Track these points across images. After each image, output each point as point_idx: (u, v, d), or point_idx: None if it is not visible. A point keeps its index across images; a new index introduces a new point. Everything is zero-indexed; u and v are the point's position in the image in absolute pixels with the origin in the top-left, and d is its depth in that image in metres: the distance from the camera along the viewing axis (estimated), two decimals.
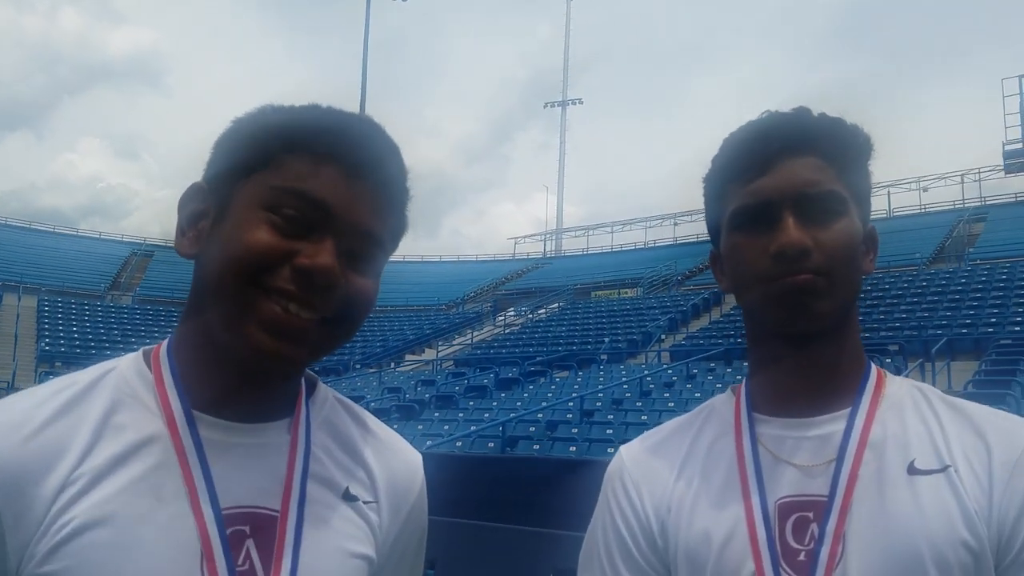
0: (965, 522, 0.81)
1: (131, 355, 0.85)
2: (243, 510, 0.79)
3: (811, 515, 0.86)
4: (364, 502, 0.86)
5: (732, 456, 0.93)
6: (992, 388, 9.67)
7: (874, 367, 0.96)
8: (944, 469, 0.85)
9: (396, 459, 0.93)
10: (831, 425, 0.90)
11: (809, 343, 0.90)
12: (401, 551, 0.91)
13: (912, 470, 0.85)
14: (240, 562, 0.77)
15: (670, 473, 0.96)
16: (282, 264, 0.75)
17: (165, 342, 0.85)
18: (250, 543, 0.78)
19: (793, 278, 0.85)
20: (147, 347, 0.86)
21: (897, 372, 11.71)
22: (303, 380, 0.89)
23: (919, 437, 0.88)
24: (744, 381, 1.00)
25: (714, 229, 0.98)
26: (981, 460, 0.85)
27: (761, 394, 0.96)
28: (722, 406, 1.00)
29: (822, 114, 0.93)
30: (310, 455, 0.85)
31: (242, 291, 0.75)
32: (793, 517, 0.87)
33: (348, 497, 0.86)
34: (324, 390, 0.93)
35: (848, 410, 0.91)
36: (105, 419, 0.78)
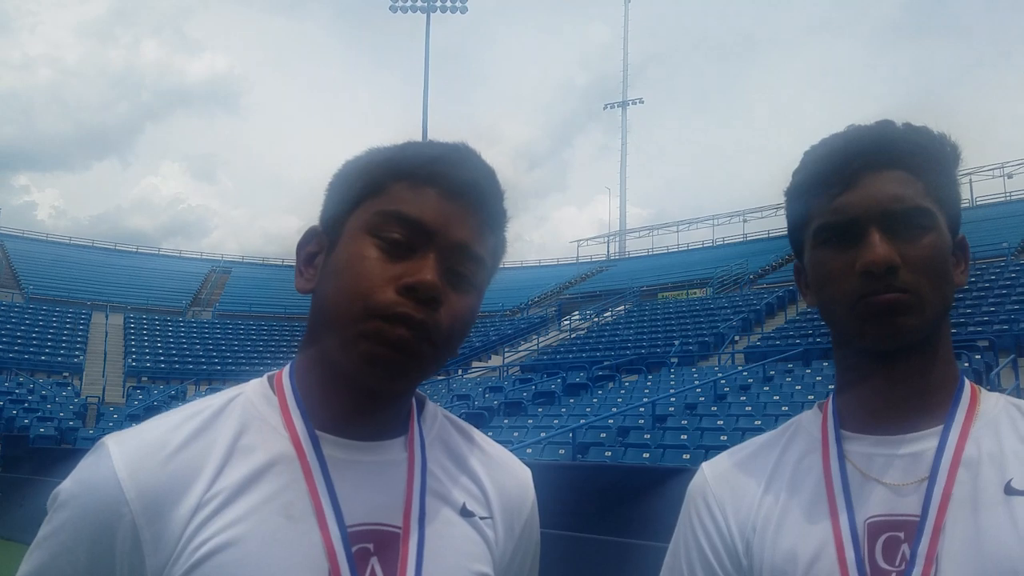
0: None
1: (256, 380, 0.89)
2: (367, 527, 0.81)
3: (902, 535, 0.84)
4: (480, 518, 0.88)
5: (819, 474, 0.91)
6: None
7: (967, 382, 0.93)
8: None
9: (507, 475, 0.95)
10: (923, 443, 0.88)
11: (897, 358, 0.88)
12: (517, 568, 0.94)
13: (1009, 490, 0.82)
14: None
15: (755, 491, 0.94)
16: (389, 285, 0.78)
17: (287, 367, 0.89)
18: (374, 560, 0.80)
19: (881, 296, 0.84)
20: (270, 372, 0.90)
21: (988, 369, 11.31)
22: (413, 398, 0.92)
23: (1017, 455, 0.85)
24: (831, 397, 0.97)
25: (797, 243, 0.97)
26: None
27: (849, 411, 0.93)
28: (808, 423, 0.98)
29: (907, 125, 0.91)
30: (427, 471, 0.87)
31: (354, 316, 0.78)
32: (883, 537, 0.84)
33: (465, 513, 0.87)
34: (433, 408, 0.95)
35: (940, 427, 0.88)
36: (235, 441, 0.81)
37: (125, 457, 0.77)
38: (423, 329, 0.79)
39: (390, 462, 0.85)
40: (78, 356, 24.17)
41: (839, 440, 0.92)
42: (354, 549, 0.79)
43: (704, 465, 1.02)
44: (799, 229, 0.95)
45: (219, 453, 0.79)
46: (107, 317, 27.22)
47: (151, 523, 0.75)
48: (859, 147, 0.88)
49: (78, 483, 0.78)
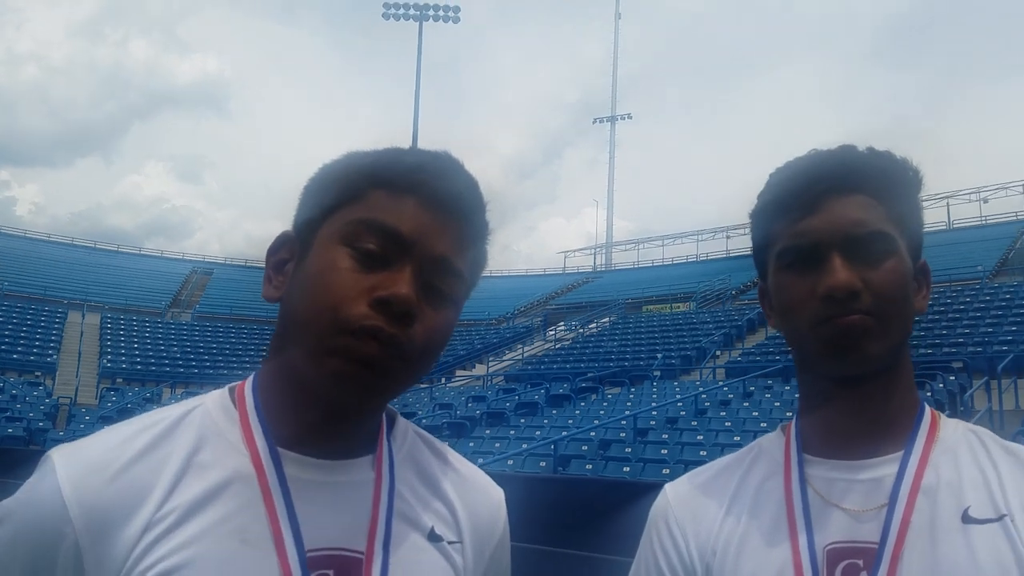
0: (1021, 574, 0.78)
1: (216, 392, 0.85)
2: (328, 552, 0.77)
3: (861, 563, 0.84)
4: (449, 543, 0.85)
5: (780, 498, 0.91)
6: None
7: (928, 409, 0.93)
8: (1000, 518, 0.82)
9: (479, 497, 0.92)
10: (882, 468, 0.88)
11: (859, 384, 0.88)
12: None
13: (967, 518, 0.83)
14: None
15: (716, 515, 0.94)
16: (362, 298, 0.75)
17: (250, 379, 0.85)
18: None
19: (842, 320, 0.84)
20: (232, 384, 0.86)
21: (962, 390, 11.39)
22: (384, 414, 0.88)
23: (974, 484, 0.86)
24: (794, 420, 0.98)
25: (761, 265, 0.97)
26: None
27: (811, 434, 0.94)
28: (771, 445, 0.98)
29: (870, 149, 0.91)
30: (395, 493, 0.83)
31: (323, 330, 0.74)
32: (842, 564, 0.85)
33: (433, 538, 0.84)
34: (404, 424, 0.92)
35: (900, 453, 0.89)
36: (190, 457, 0.77)
37: (70, 472, 0.73)
38: (395, 345, 0.75)
39: (356, 482, 0.81)
40: (52, 355, 23.75)
41: (801, 464, 0.92)
42: None
43: (667, 487, 1.01)
44: (763, 252, 0.95)
45: (172, 470, 0.75)
46: (83, 316, 26.80)
47: (95, 544, 0.71)
48: (822, 171, 0.88)
49: (20, 499, 0.74)
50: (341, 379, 0.75)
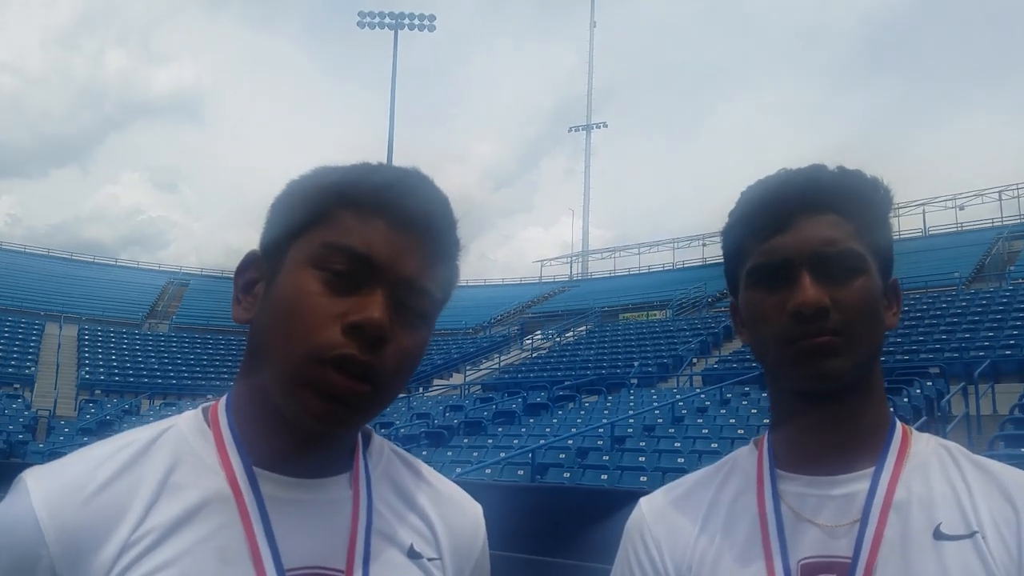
0: None
1: (190, 412, 0.85)
2: (307, 571, 0.77)
3: None
4: (428, 559, 0.84)
5: (754, 514, 0.92)
6: None
7: (899, 424, 0.94)
8: (971, 535, 0.83)
9: (458, 513, 0.92)
10: (855, 484, 0.89)
11: (829, 400, 0.89)
12: None
13: (938, 535, 0.84)
14: None
15: (691, 530, 0.95)
16: (334, 324, 0.74)
17: (223, 399, 0.85)
18: None
19: (811, 340, 0.85)
20: (205, 404, 0.86)
21: (939, 396, 11.53)
22: (359, 432, 0.88)
23: (945, 499, 0.87)
24: (766, 435, 0.99)
25: (732, 281, 0.98)
26: (1009, 525, 0.83)
27: (783, 449, 0.95)
28: (744, 460, 0.99)
29: (840, 168, 0.92)
30: (372, 510, 0.83)
31: (296, 360, 0.74)
32: None
33: (412, 555, 0.84)
34: (380, 442, 0.92)
35: (872, 469, 0.89)
36: (165, 478, 0.77)
37: (45, 495, 0.72)
38: (367, 374, 0.75)
39: (333, 500, 0.81)
40: (30, 367, 23.44)
41: (774, 480, 0.93)
42: None
43: (642, 500, 1.03)
44: (734, 268, 0.96)
45: (148, 491, 0.75)
46: (60, 328, 26.45)
47: (72, 567, 0.70)
48: (792, 190, 0.90)
49: None
50: (312, 413, 0.75)
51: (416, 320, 0.80)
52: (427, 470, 0.94)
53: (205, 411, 0.85)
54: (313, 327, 0.74)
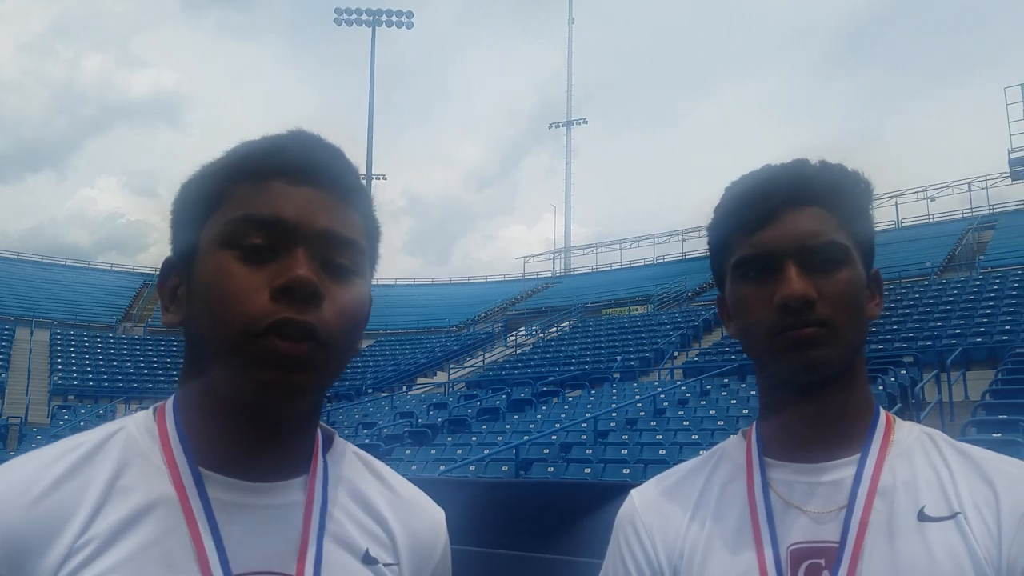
0: (975, 570, 0.82)
1: (141, 413, 0.83)
2: None
3: (823, 562, 0.87)
4: (385, 564, 0.83)
5: (744, 502, 0.94)
6: (1011, 398, 9.53)
7: (883, 412, 0.97)
8: (954, 516, 0.86)
9: (418, 518, 0.90)
10: (841, 471, 0.91)
11: (815, 390, 0.91)
12: None
13: (922, 517, 0.86)
14: None
15: (682, 518, 0.97)
16: (261, 293, 0.72)
17: (171, 398, 0.83)
18: None
19: (798, 332, 0.87)
20: (157, 404, 0.84)
21: (913, 384, 11.72)
22: (320, 434, 0.86)
23: (928, 484, 0.89)
24: (755, 424, 1.01)
25: (719, 275, 1.00)
26: (990, 507, 0.86)
27: (772, 438, 0.97)
28: (733, 449, 1.01)
29: (822, 162, 0.95)
30: (327, 515, 0.81)
31: (233, 341, 0.72)
32: (805, 564, 0.88)
33: (368, 560, 0.82)
34: (342, 444, 0.90)
35: (857, 456, 0.92)
36: (113, 481, 0.74)
37: None
38: (309, 332, 0.72)
39: (286, 504, 0.79)
40: (0, 374, 23.07)
41: (763, 468, 0.95)
42: None
43: (633, 492, 1.04)
44: (720, 262, 0.98)
45: (95, 494, 0.73)
46: (32, 332, 26.02)
47: (15, 570, 0.68)
48: (776, 185, 0.92)
49: None
50: (266, 387, 0.72)
51: (345, 273, 0.77)
52: (389, 473, 0.92)
53: (155, 411, 0.82)
54: (241, 303, 0.72)
